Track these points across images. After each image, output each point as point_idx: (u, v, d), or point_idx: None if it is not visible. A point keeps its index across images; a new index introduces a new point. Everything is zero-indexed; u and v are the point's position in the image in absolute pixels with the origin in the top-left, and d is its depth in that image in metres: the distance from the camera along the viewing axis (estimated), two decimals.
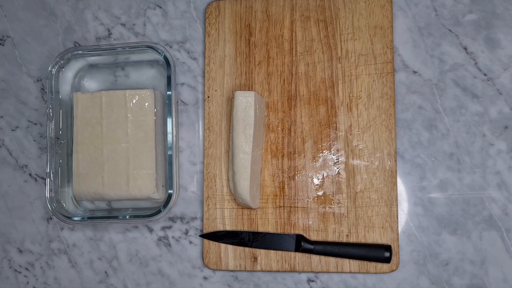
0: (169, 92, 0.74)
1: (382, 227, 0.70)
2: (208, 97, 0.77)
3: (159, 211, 0.73)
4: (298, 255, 0.72)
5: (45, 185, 0.75)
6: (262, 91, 0.75)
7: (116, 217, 0.74)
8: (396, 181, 0.71)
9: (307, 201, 0.72)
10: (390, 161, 0.71)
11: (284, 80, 0.75)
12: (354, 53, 0.73)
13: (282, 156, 0.74)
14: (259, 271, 0.73)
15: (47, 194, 0.75)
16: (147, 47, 0.74)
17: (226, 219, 0.74)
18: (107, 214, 0.78)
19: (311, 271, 0.72)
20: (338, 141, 0.73)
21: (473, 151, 0.72)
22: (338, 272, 0.71)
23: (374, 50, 0.73)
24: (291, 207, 0.73)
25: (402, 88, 0.74)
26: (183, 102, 0.79)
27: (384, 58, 0.73)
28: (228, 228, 0.74)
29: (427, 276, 0.71)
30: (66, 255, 0.80)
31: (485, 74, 0.72)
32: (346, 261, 0.71)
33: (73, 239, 0.80)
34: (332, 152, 0.73)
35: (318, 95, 0.74)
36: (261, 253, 0.73)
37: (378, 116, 0.72)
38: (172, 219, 0.78)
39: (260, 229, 0.73)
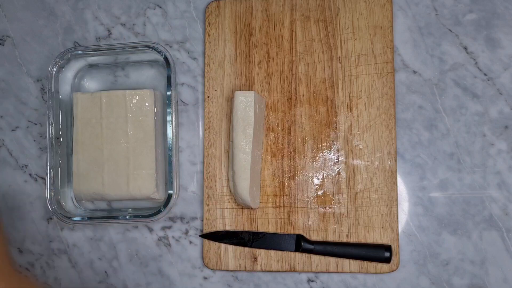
0: (169, 92, 0.74)
1: (382, 227, 0.70)
2: (208, 97, 0.77)
3: (159, 211, 0.73)
4: (298, 255, 0.72)
5: (45, 185, 0.76)
6: (262, 91, 0.75)
7: (116, 217, 0.74)
8: (396, 181, 0.71)
9: (307, 201, 0.72)
10: (390, 161, 0.71)
11: (284, 80, 0.75)
12: (354, 53, 0.73)
13: (282, 156, 0.74)
14: (259, 271, 0.73)
15: (47, 194, 0.75)
16: (147, 47, 0.74)
17: (226, 219, 0.74)
18: (107, 214, 0.78)
19: (311, 271, 0.72)
20: (338, 141, 0.73)
21: (473, 151, 0.72)
22: (338, 272, 0.71)
23: (374, 50, 0.73)
24: (291, 207, 0.73)
25: (402, 88, 0.74)
26: (183, 102, 0.79)
27: (384, 58, 0.73)
28: (228, 228, 0.74)
29: (427, 276, 0.71)
30: (66, 255, 0.80)
31: (485, 74, 0.72)
32: (346, 261, 0.71)
33: (73, 239, 0.80)
34: (332, 152, 0.73)
35: (318, 95, 0.74)
36: (261, 253, 0.73)
37: (378, 116, 0.72)
38: (172, 219, 0.78)
39: (260, 229, 0.73)
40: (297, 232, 0.72)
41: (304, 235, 0.72)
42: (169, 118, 0.74)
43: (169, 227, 0.78)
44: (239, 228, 0.74)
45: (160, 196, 0.75)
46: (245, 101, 0.69)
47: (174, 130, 0.74)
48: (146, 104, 0.75)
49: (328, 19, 0.75)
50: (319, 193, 0.72)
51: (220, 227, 0.74)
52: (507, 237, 0.70)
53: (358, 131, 0.72)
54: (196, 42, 0.80)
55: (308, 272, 0.72)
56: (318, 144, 0.73)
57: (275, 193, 0.73)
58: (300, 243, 0.71)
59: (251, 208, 0.73)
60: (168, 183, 0.74)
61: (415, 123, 0.73)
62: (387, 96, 0.72)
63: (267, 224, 0.73)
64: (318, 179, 0.73)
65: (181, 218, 0.78)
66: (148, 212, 0.74)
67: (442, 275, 0.71)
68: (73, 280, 0.80)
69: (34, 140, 0.83)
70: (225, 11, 0.77)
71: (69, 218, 0.75)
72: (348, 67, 0.73)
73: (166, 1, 0.81)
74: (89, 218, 0.75)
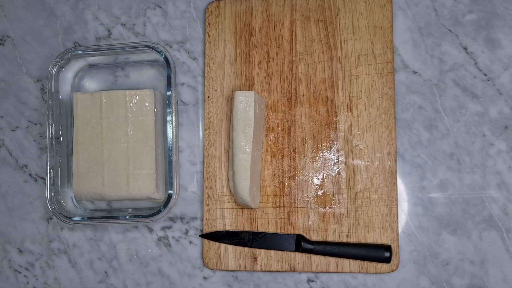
0: (169, 92, 0.74)
1: (382, 227, 0.70)
2: (208, 97, 0.77)
3: (159, 211, 0.73)
4: (298, 255, 0.72)
5: (45, 185, 0.76)
6: (262, 91, 0.75)
7: (116, 217, 0.74)
8: (396, 181, 0.71)
9: (307, 201, 0.72)
10: (390, 161, 0.71)
11: (284, 80, 0.75)
12: (354, 53, 0.73)
13: (282, 156, 0.74)
14: (259, 271, 0.73)
15: (47, 194, 0.75)
16: (147, 47, 0.74)
17: (226, 219, 0.74)
18: (107, 214, 0.78)
19: (311, 271, 0.72)
20: (338, 141, 0.73)
21: (473, 151, 0.72)
22: (338, 272, 0.71)
23: (374, 50, 0.73)
24: (291, 207, 0.73)
25: (402, 88, 0.74)
26: (183, 102, 0.79)
27: (384, 58, 0.73)
28: (228, 228, 0.74)
29: (427, 276, 0.71)
30: (66, 255, 0.80)
31: (485, 74, 0.72)
32: (346, 261, 0.71)
33: (73, 239, 0.80)
34: (332, 152, 0.73)
35: (318, 95, 0.74)
36: (261, 253, 0.73)
37: (378, 116, 0.72)
38: (172, 219, 0.78)
39: (260, 229, 0.73)
40: (297, 232, 0.72)
41: (304, 235, 0.72)
42: (169, 118, 0.74)
43: (169, 227, 0.78)
44: (239, 228, 0.74)
45: (160, 196, 0.75)
46: (245, 101, 0.69)
47: (174, 130, 0.74)
48: (146, 104, 0.75)
49: (328, 19, 0.75)
50: (319, 193, 0.72)
51: (220, 227, 0.74)
52: (507, 237, 0.70)
53: (358, 131, 0.72)
54: (196, 42, 0.80)
55: (308, 272, 0.72)
56: (318, 144, 0.73)
57: (275, 193, 0.73)
58: (300, 243, 0.71)
59: (251, 208, 0.73)
60: (168, 183, 0.74)
61: (415, 123, 0.73)
62: (387, 96, 0.72)
63: (267, 224, 0.73)
64: (318, 179, 0.73)
65: (181, 218, 0.78)
66: (148, 212, 0.74)
67: (442, 275, 0.71)
68: (73, 280, 0.80)
69: (34, 140, 0.83)
70: (225, 11, 0.77)
71: (69, 218, 0.75)
72: (348, 67, 0.73)
73: (166, 1, 0.81)
74: (89, 218, 0.75)
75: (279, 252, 0.72)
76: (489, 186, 0.71)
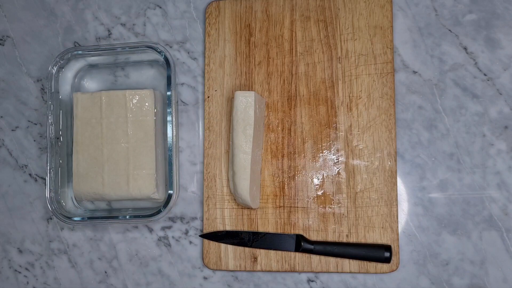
0: (169, 92, 0.74)
1: (382, 227, 0.70)
2: (208, 97, 0.77)
3: (159, 211, 0.73)
4: (298, 255, 0.72)
5: (45, 185, 0.76)
6: (262, 91, 0.75)
7: (116, 217, 0.74)
8: (396, 181, 0.71)
9: (307, 201, 0.72)
10: (390, 161, 0.71)
11: (284, 80, 0.75)
12: (354, 53, 0.73)
13: (282, 156, 0.74)
14: (259, 271, 0.73)
15: (47, 194, 0.75)
16: (147, 47, 0.74)
17: (226, 219, 0.74)
18: (107, 214, 0.78)
19: (311, 271, 0.72)
20: (338, 141, 0.73)
21: (473, 151, 0.72)
22: (338, 272, 0.71)
23: (374, 50, 0.73)
24: (291, 207, 0.73)
25: (402, 88, 0.74)
26: (183, 102, 0.79)
27: (384, 58, 0.73)
28: (228, 228, 0.74)
29: (427, 276, 0.71)
30: (66, 255, 0.80)
31: (485, 74, 0.72)
32: (346, 261, 0.71)
33: (73, 239, 0.80)
34: (332, 152, 0.73)
35: (318, 95, 0.74)
36: (261, 253, 0.73)
37: (378, 116, 0.72)
38: (172, 219, 0.78)
39: (260, 229, 0.73)
40: (297, 232, 0.72)
41: (304, 235, 0.72)
42: (169, 118, 0.74)
43: (169, 227, 0.78)
44: (239, 228, 0.74)
45: (160, 196, 0.75)
46: (245, 101, 0.69)
47: (174, 130, 0.74)
48: (146, 104, 0.75)
49: (328, 20, 0.75)
50: (319, 193, 0.72)
51: (220, 227, 0.74)
52: (507, 237, 0.70)
53: (358, 131, 0.72)
54: (196, 42, 0.80)
55: (308, 272, 0.72)
56: (318, 144, 0.73)
57: (275, 193, 0.73)
58: (300, 243, 0.71)
59: (251, 208, 0.73)
60: (168, 183, 0.74)
61: (415, 123, 0.73)
62: (387, 96, 0.72)
63: (267, 224, 0.73)
64: (318, 179, 0.73)
65: (181, 218, 0.78)
66: (148, 212, 0.74)
67: (442, 275, 0.71)
68: (73, 280, 0.80)
69: (34, 140, 0.83)
70: (225, 11, 0.77)
71: (69, 218, 0.75)
72: (348, 67, 0.73)
73: (166, 1, 0.81)
74: (89, 218, 0.75)
75: (279, 252, 0.72)
76: (489, 186, 0.71)
